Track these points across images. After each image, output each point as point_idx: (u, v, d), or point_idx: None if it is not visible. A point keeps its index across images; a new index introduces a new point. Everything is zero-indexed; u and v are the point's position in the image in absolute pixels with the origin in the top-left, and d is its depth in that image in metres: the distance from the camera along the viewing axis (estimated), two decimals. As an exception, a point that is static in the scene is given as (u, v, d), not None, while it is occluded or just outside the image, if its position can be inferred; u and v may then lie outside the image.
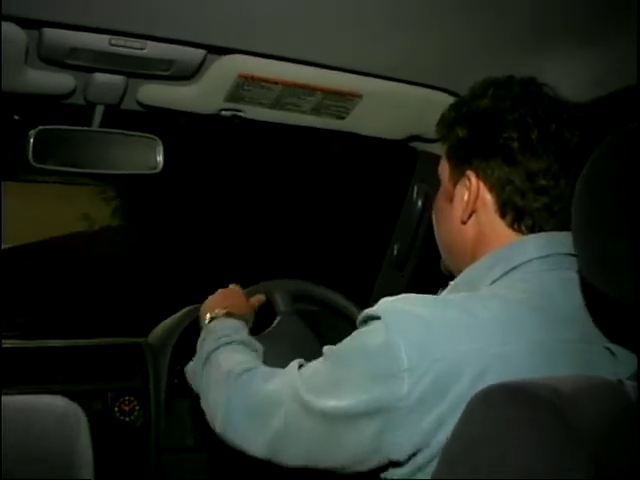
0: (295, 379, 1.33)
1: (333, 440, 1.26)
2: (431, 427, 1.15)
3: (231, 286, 1.97)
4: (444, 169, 1.46)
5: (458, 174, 1.41)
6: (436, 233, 1.52)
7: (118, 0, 1.45)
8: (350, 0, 1.48)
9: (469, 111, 1.41)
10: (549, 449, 0.93)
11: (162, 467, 2.32)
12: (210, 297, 1.90)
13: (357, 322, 1.31)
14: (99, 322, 2.73)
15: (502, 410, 0.99)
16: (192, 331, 2.29)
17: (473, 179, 1.38)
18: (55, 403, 1.01)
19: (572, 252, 1.27)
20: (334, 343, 1.53)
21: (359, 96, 1.91)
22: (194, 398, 1.89)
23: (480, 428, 1.01)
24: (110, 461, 2.25)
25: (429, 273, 1.47)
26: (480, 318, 1.21)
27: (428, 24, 1.58)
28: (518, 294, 1.26)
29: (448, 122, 1.44)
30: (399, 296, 1.28)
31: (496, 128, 1.35)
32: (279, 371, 1.42)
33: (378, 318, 1.23)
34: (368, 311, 1.27)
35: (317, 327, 2.38)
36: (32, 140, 1.80)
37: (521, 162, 1.33)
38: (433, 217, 1.53)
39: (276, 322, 2.06)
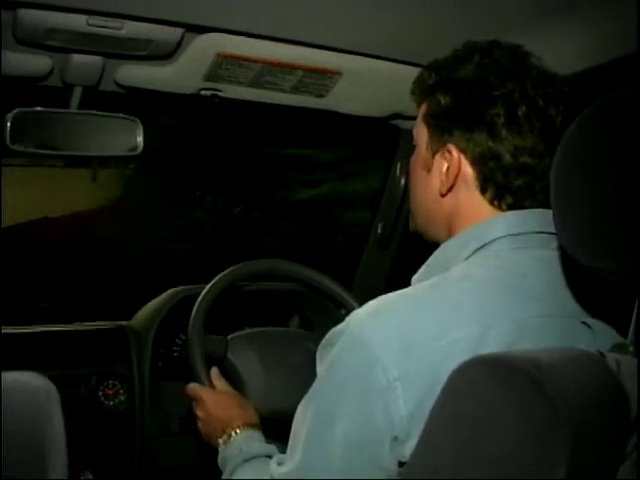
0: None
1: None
2: None
3: (216, 387, 1.83)
4: (421, 134, 1.41)
5: (437, 143, 1.37)
6: (412, 197, 1.47)
7: (95, -21, 1.44)
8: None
9: (452, 77, 1.35)
10: (529, 421, 0.92)
11: (147, 451, 2.31)
12: (205, 418, 1.77)
13: (326, 341, 1.27)
14: (84, 306, 2.71)
15: (481, 384, 0.98)
16: (175, 314, 2.29)
17: (454, 152, 1.33)
18: (27, 380, 0.99)
19: (543, 230, 1.29)
20: (318, 324, 1.52)
21: (339, 74, 1.90)
22: (179, 381, 1.89)
23: (460, 403, 1.00)
24: (95, 446, 2.25)
25: (413, 251, 1.45)
26: (455, 306, 1.20)
27: (408, 1, 1.57)
28: (490, 272, 1.25)
29: (428, 85, 1.39)
30: (368, 305, 1.24)
31: (482, 101, 1.31)
32: None
33: (352, 335, 1.20)
34: (340, 329, 1.24)
35: (300, 307, 2.39)
36: (9, 123, 1.78)
37: (506, 138, 1.30)
38: (409, 182, 1.48)
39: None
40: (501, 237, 1.29)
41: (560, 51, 1.64)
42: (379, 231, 2.45)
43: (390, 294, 1.25)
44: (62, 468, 0.97)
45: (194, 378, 1.84)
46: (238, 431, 1.67)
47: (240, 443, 1.64)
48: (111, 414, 2.28)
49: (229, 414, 1.73)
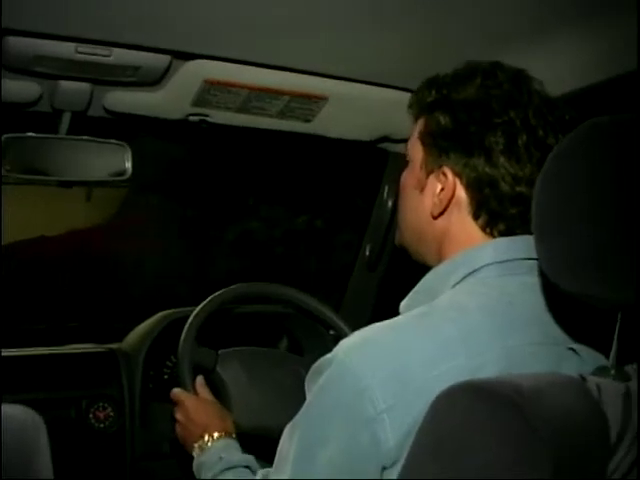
0: None
1: None
2: None
3: (199, 395, 1.86)
4: (416, 151, 1.38)
5: (433, 164, 1.34)
6: (401, 216, 1.45)
7: (83, 8, 1.45)
8: (315, 4, 1.48)
9: (452, 97, 1.32)
10: (509, 446, 0.93)
11: (138, 473, 2.31)
12: (183, 422, 1.79)
13: (314, 369, 1.26)
14: (82, 329, 2.71)
15: (464, 408, 0.99)
16: (166, 337, 2.30)
17: (450, 175, 1.31)
18: (13, 413, 1.00)
19: (531, 256, 1.26)
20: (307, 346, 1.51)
21: (325, 99, 1.91)
22: (169, 403, 1.90)
23: (444, 426, 1.01)
24: (86, 468, 2.24)
25: (401, 273, 1.45)
26: (443, 336, 1.18)
27: (393, 26, 1.58)
28: (478, 300, 1.24)
29: (427, 102, 1.36)
30: (356, 335, 1.23)
31: (482, 126, 1.29)
32: None
33: (340, 365, 1.19)
34: (328, 358, 1.23)
35: (289, 328, 2.40)
36: (-1, 148, 1.80)
37: (504, 166, 1.28)
38: (400, 198, 1.46)
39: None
40: (489, 264, 1.28)
41: (557, 69, 1.63)
42: (367, 253, 2.47)
43: (378, 324, 1.23)
44: None
45: (180, 385, 1.87)
46: (215, 437, 1.69)
47: (219, 450, 1.65)
48: (102, 436, 2.27)
49: (208, 421, 1.74)
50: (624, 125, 1.05)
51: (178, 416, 1.80)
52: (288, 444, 1.26)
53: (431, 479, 0.99)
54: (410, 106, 1.43)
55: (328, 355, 1.23)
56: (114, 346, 2.40)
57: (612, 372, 1.10)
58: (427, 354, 1.17)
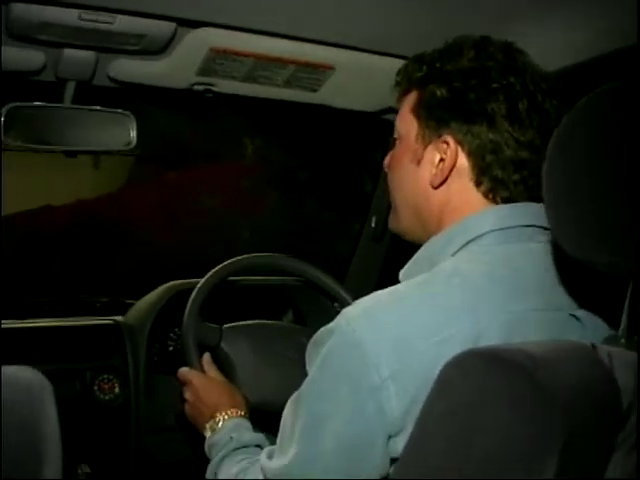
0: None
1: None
2: None
3: (205, 373, 1.85)
4: (409, 125, 1.38)
5: (431, 135, 1.33)
6: (396, 193, 1.43)
7: (87, -27, 1.44)
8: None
9: (446, 69, 1.32)
10: (521, 412, 0.93)
11: (143, 445, 2.32)
12: (193, 402, 1.79)
13: (315, 340, 1.26)
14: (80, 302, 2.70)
15: (476, 377, 0.98)
16: (170, 308, 2.30)
17: (452, 144, 1.31)
18: (21, 375, 0.99)
19: (532, 223, 1.28)
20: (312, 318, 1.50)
21: (331, 68, 1.90)
22: (174, 376, 1.90)
23: (455, 396, 1.00)
24: (91, 439, 2.25)
25: (406, 245, 1.43)
26: (446, 302, 1.19)
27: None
28: (479, 266, 1.24)
29: (418, 77, 1.36)
30: (357, 304, 1.23)
31: (482, 93, 1.29)
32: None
33: (343, 334, 1.19)
34: (330, 327, 1.22)
35: (293, 300, 2.39)
36: (2, 118, 1.78)
37: (507, 131, 1.28)
38: (392, 177, 1.45)
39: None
40: (491, 231, 1.28)
41: (547, 46, 1.64)
42: (373, 225, 2.46)
43: (380, 292, 1.23)
44: (57, 460, 0.98)
45: (186, 363, 1.86)
46: (226, 417, 1.68)
47: (230, 430, 1.64)
48: (106, 408, 2.28)
49: (218, 400, 1.74)
50: (631, 91, 1.04)
51: (187, 396, 1.80)
52: (292, 419, 1.26)
53: (443, 448, 0.99)
54: (398, 83, 1.43)
55: (329, 325, 1.23)
56: (119, 318, 2.41)
57: (623, 340, 1.09)
58: (430, 320, 1.17)
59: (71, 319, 2.41)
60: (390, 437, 1.16)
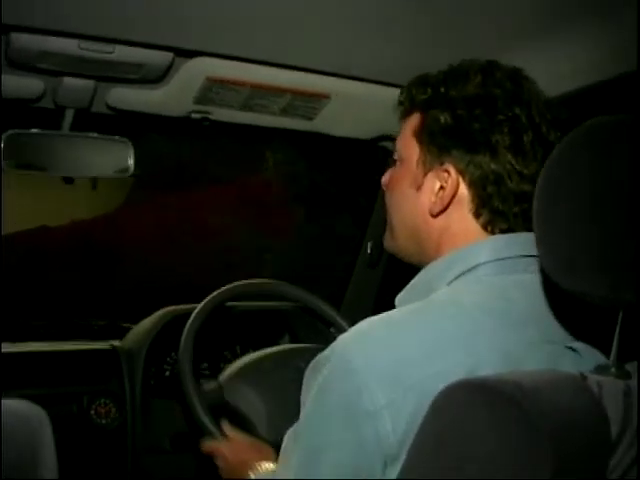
0: None
1: None
2: None
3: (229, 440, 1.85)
4: (410, 149, 1.36)
5: (432, 162, 1.31)
6: (394, 213, 1.41)
7: (86, 4, 1.45)
8: (317, 2, 1.48)
9: (450, 94, 1.30)
10: (510, 443, 0.93)
11: (139, 469, 2.32)
12: (227, 466, 1.79)
13: (312, 367, 1.24)
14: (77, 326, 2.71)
15: (464, 406, 0.99)
16: (167, 333, 2.31)
17: (453, 173, 1.29)
18: (21, 408, 1.00)
19: (527, 254, 1.26)
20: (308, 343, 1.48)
21: (327, 97, 1.92)
22: (170, 399, 1.91)
23: (444, 426, 1.00)
24: (87, 464, 2.25)
25: (402, 271, 1.43)
26: (441, 333, 1.18)
27: (395, 24, 1.59)
28: (475, 297, 1.23)
29: (422, 100, 1.34)
30: (353, 330, 1.21)
31: (487, 123, 1.27)
32: None
33: (338, 361, 1.18)
34: (326, 354, 1.21)
35: (290, 325, 2.40)
36: (2, 144, 1.80)
37: (510, 163, 1.26)
38: (390, 198, 1.43)
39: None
40: (487, 262, 1.27)
41: (556, 69, 1.64)
42: (368, 251, 2.47)
43: (375, 318, 1.22)
44: None
45: (202, 431, 1.87)
46: (259, 469, 1.68)
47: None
48: (103, 432, 2.28)
49: (248, 457, 1.73)
50: (625, 125, 1.05)
51: (220, 464, 1.80)
52: (291, 451, 1.25)
53: (434, 474, 0.99)
54: (400, 103, 1.41)
55: (325, 351, 1.22)
56: (116, 343, 2.41)
57: (613, 370, 1.10)
58: (424, 350, 1.16)
59: (68, 343, 2.42)
60: (386, 465, 1.15)
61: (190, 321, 1.96)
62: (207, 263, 5.20)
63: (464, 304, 1.22)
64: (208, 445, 1.84)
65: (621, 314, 1.10)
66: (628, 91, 1.63)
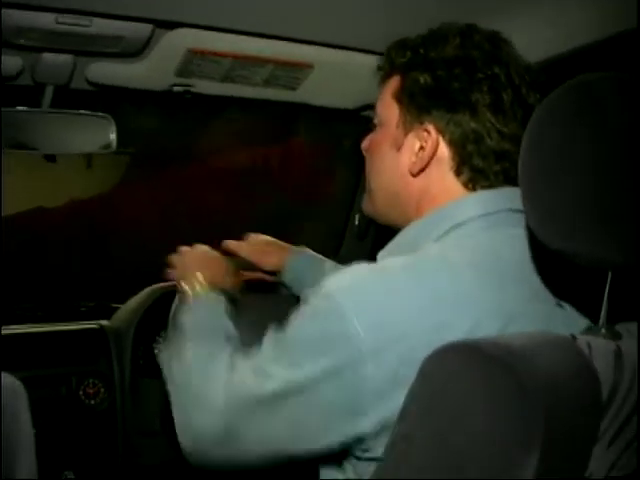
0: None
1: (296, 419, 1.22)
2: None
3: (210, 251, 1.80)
4: (390, 111, 1.37)
5: (412, 122, 1.33)
6: (374, 177, 1.43)
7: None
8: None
9: (431, 56, 1.31)
10: (500, 406, 0.93)
11: (129, 449, 2.31)
12: (188, 257, 1.74)
13: (302, 299, 1.25)
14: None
15: (455, 370, 0.98)
16: (155, 311, 2.29)
17: (433, 132, 1.30)
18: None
19: (515, 208, 1.25)
20: None
21: (310, 66, 1.91)
22: (160, 379, 1.89)
23: (435, 389, 1.00)
24: (76, 445, 2.24)
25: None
26: (433, 289, 1.18)
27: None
28: (466, 255, 1.23)
29: (402, 63, 1.35)
30: (344, 274, 1.22)
31: (466, 82, 1.28)
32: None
33: (328, 300, 1.18)
34: (315, 290, 1.22)
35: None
36: (-20, 123, 1.78)
37: (490, 121, 1.28)
38: (370, 161, 1.44)
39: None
40: (476, 216, 1.27)
41: (529, 38, 1.63)
42: (356, 222, 2.46)
43: (367, 265, 1.22)
44: (30, 465, 0.97)
45: None
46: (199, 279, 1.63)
47: (213, 305, 1.60)
48: (92, 413, 2.27)
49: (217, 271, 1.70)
50: (611, 81, 1.04)
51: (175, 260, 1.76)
52: (271, 351, 1.26)
53: (424, 442, 0.99)
54: (380, 67, 1.42)
55: (315, 288, 1.22)
56: (104, 322, 2.39)
57: (602, 331, 1.09)
58: (415, 304, 1.16)
59: (56, 324, 2.40)
60: (357, 412, 1.15)
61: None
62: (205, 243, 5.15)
63: (456, 262, 1.22)
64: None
65: (610, 275, 1.09)
66: (627, 50, 1.63)
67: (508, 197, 1.28)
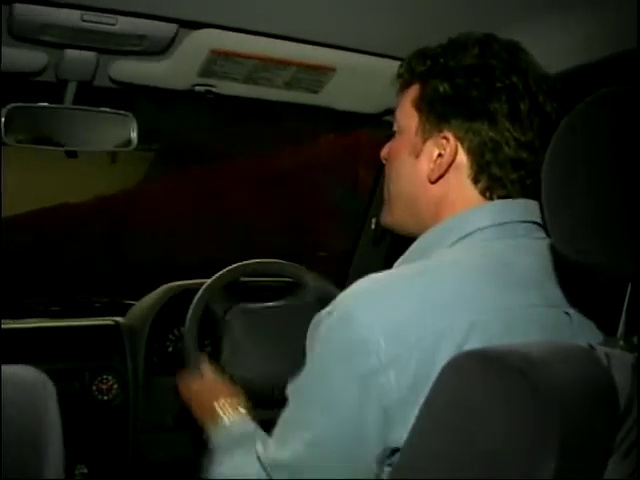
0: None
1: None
2: None
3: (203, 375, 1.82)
4: (410, 118, 1.38)
5: (431, 130, 1.34)
6: (393, 184, 1.44)
7: (89, -25, 1.45)
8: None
9: (450, 64, 1.32)
10: (517, 415, 0.93)
11: (140, 445, 2.33)
12: (195, 399, 1.76)
13: (313, 325, 1.25)
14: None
15: (472, 378, 0.99)
16: (170, 309, 2.30)
17: (452, 140, 1.31)
18: (24, 374, 0.99)
19: (527, 219, 1.29)
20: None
21: (333, 70, 1.91)
22: (173, 377, 1.90)
23: (450, 397, 1.00)
24: (89, 440, 2.26)
25: (406, 248, 1.43)
26: (443, 293, 1.19)
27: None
28: (477, 260, 1.24)
29: (421, 71, 1.36)
30: (355, 286, 1.22)
31: (485, 91, 1.29)
32: None
33: (342, 313, 1.19)
34: (328, 309, 1.22)
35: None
36: (3, 118, 1.79)
37: (508, 130, 1.29)
38: (390, 169, 1.45)
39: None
40: (486, 227, 1.28)
41: (548, 49, 1.64)
42: (372, 227, 2.46)
43: (376, 275, 1.23)
44: (59, 459, 0.98)
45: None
46: (228, 408, 1.65)
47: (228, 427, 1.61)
48: (105, 408, 2.29)
49: (217, 396, 1.69)
50: (632, 95, 1.04)
51: (186, 397, 1.79)
52: (292, 408, 1.27)
53: (441, 448, 0.99)
54: (400, 75, 1.43)
55: (327, 307, 1.23)
56: (119, 319, 2.41)
57: (621, 342, 1.09)
58: (427, 307, 1.17)
59: (71, 320, 2.42)
60: (386, 423, 1.15)
61: (198, 296, 1.96)
62: (228, 240, 5.14)
63: (465, 265, 1.24)
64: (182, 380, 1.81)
65: (630, 287, 1.09)
66: (628, 69, 1.63)
67: (520, 208, 1.30)
